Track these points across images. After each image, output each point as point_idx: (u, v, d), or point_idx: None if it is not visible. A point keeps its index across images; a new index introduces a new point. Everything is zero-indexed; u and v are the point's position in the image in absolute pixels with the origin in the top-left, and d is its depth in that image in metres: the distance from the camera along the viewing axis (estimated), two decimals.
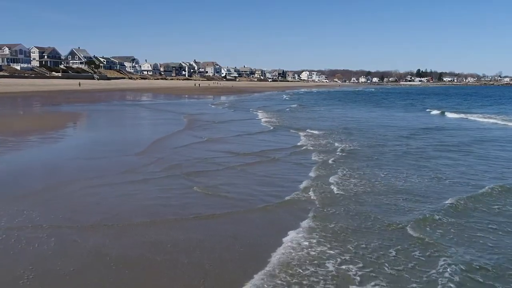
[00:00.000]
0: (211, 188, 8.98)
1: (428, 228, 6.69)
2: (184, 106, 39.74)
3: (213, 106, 38.69)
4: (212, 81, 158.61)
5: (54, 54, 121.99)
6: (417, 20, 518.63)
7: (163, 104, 42.39)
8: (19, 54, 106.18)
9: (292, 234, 6.41)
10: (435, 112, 33.84)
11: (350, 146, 14.28)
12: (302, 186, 9.13)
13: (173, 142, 15.14)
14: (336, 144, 14.63)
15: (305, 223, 6.87)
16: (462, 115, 30.17)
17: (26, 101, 40.47)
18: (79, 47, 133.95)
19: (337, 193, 8.51)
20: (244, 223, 7.10)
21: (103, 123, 24.21)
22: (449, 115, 31.16)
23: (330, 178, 9.56)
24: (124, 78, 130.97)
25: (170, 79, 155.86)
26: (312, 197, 8.28)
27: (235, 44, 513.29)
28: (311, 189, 8.80)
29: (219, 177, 9.99)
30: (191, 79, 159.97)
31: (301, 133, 18.00)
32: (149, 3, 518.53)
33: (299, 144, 14.98)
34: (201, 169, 10.82)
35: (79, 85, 79.33)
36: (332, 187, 8.92)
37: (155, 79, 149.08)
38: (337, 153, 12.90)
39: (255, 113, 30.25)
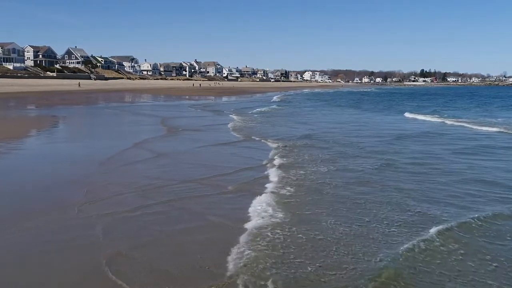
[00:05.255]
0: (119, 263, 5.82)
1: None
2: (168, 109, 36.91)
3: (192, 109, 36.40)
4: (213, 82, 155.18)
5: (49, 53, 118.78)
6: (421, 20, 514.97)
7: (150, 106, 40.01)
8: (12, 53, 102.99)
9: None
10: (414, 116, 32.22)
11: (307, 169, 11.11)
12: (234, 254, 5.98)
13: (122, 160, 12.37)
14: (291, 167, 11.37)
15: None
16: (441, 119, 28.36)
17: (3, 104, 36.96)
18: (76, 46, 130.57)
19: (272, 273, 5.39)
20: None
21: (69, 131, 21.47)
22: (427, 118, 29.53)
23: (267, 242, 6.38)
24: (122, 78, 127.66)
25: (170, 79, 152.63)
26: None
27: (237, 44, 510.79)
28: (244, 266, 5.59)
29: (131, 228, 6.96)
30: (191, 79, 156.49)
31: (271, 144, 15.59)
32: (149, 2, 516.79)
33: (261, 163, 11.93)
34: (123, 208, 7.82)
35: (79, 85, 76.96)
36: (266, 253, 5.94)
37: (154, 79, 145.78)
38: (290, 183, 9.67)
39: (230, 116, 28.34)
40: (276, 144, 15.27)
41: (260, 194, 8.65)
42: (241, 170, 10.99)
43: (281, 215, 7.41)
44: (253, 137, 17.36)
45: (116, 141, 16.31)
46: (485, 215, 7.38)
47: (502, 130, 21.22)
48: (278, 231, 6.70)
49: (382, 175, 10.55)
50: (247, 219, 7.31)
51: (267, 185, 9.39)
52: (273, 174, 10.36)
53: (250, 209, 7.78)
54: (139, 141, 16.03)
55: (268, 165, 11.59)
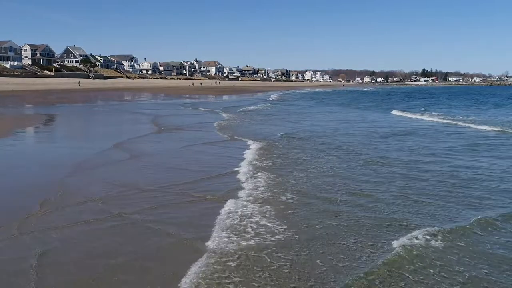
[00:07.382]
0: None
1: None
2: (167, 107, 36.10)
3: (188, 108, 35.78)
4: (214, 81, 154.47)
5: (47, 52, 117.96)
6: (423, 19, 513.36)
7: (145, 104, 39.29)
8: (9, 51, 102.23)
9: None
10: (401, 113, 32.38)
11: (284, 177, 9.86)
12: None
13: (95, 163, 11.51)
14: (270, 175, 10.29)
15: None
16: (430, 118, 28.39)
17: None
18: (74, 45, 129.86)
19: None
20: None
21: (51, 130, 20.67)
22: (415, 116, 29.72)
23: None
24: (121, 77, 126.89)
25: (170, 79, 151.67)
26: None
27: (238, 43, 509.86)
28: None
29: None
30: (192, 79, 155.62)
31: (252, 144, 14.91)
32: (149, 2, 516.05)
33: (235, 169, 10.73)
34: (75, 222, 6.89)
35: (79, 84, 76.44)
36: None
37: (154, 78, 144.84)
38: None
39: (220, 114, 28.01)
40: (258, 145, 14.60)
41: (246, 203, 7.66)
42: (221, 176, 10.04)
43: (284, 229, 6.41)
44: (235, 137, 16.64)
45: (95, 141, 15.46)
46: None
47: (490, 128, 20.98)
48: (280, 255, 5.54)
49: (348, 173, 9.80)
50: (232, 236, 6.02)
51: (251, 191, 8.41)
52: (258, 178, 9.48)
53: (237, 223, 6.58)
54: (119, 141, 15.11)
55: (250, 167, 10.65)
